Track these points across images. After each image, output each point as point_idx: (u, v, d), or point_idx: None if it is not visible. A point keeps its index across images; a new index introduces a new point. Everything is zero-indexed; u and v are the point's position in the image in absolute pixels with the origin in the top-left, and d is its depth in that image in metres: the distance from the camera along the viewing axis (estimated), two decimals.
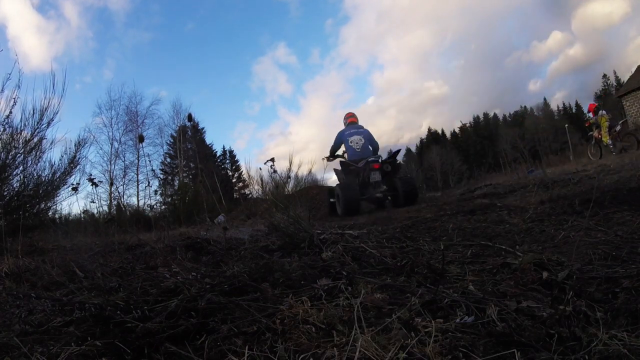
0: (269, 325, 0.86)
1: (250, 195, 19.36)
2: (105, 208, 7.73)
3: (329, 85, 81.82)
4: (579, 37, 73.50)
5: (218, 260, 1.82)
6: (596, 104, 9.32)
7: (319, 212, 6.34)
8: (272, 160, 2.69)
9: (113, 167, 20.38)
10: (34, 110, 3.38)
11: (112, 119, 20.87)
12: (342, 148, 5.85)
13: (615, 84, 41.46)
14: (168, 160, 28.15)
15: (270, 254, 1.82)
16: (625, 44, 62.22)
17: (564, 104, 50.90)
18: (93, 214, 5.01)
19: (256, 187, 3.98)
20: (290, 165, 4.12)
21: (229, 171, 35.67)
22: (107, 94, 21.49)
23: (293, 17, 70.42)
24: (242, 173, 33.32)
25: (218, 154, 35.46)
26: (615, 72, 44.33)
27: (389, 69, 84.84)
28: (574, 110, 47.31)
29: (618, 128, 8.45)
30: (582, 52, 70.76)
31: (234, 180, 34.62)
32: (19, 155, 3.36)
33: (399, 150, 6.26)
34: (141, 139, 19.08)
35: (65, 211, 4.22)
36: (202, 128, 30.53)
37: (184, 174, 24.83)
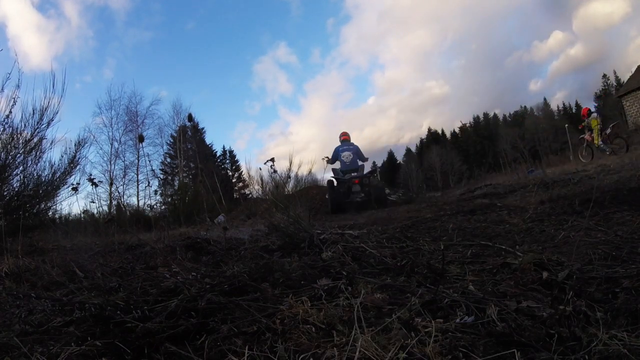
0: (269, 325, 0.86)
1: (250, 195, 19.36)
2: (105, 208, 7.76)
3: (330, 85, 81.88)
4: (580, 37, 73.46)
5: (218, 260, 1.82)
6: (588, 108, 9.43)
7: (319, 212, 7.13)
8: (272, 160, 2.70)
9: (113, 167, 20.31)
10: (33, 110, 3.38)
11: (112, 118, 20.78)
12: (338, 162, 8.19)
13: (615, 84, 41.41)
14: (168, 160, 28.13)
15: (270, 254, 1.82)
16: (626, 44, 62.14)
17: (564, 104, 50.86)
18: (93, 214, 4.99)
19: (256, 187, 4.00)
20: (290, 165, 4.15)
21: (229, 171, 35.65)
22: (107, 94, 21.32)
23: (294, 17, 70.60)
24: (242, 173, 33.35)
25: (218, 154, 35.48)
26: (615, 72, 44.25)
27: (389, 68, 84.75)
28: (574, 110, 47.23)
29: (608, 131, 8.52)
30: (583, 52, 70.72)
31: (234, 180, 34.60)
32: (19, 155, 3.36)
33: (375, 170, 8.44)
34: (141, 139, 19.06)
35: (65, 211, 4.20)
36: (202, 128, 30.49)
37: (184, 174, 24.80)
